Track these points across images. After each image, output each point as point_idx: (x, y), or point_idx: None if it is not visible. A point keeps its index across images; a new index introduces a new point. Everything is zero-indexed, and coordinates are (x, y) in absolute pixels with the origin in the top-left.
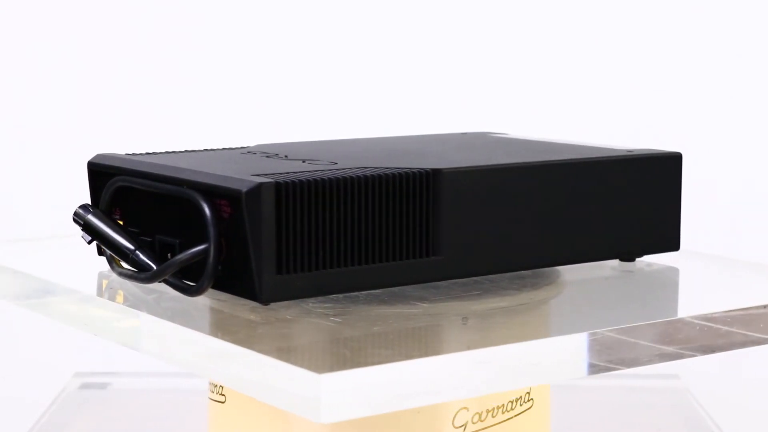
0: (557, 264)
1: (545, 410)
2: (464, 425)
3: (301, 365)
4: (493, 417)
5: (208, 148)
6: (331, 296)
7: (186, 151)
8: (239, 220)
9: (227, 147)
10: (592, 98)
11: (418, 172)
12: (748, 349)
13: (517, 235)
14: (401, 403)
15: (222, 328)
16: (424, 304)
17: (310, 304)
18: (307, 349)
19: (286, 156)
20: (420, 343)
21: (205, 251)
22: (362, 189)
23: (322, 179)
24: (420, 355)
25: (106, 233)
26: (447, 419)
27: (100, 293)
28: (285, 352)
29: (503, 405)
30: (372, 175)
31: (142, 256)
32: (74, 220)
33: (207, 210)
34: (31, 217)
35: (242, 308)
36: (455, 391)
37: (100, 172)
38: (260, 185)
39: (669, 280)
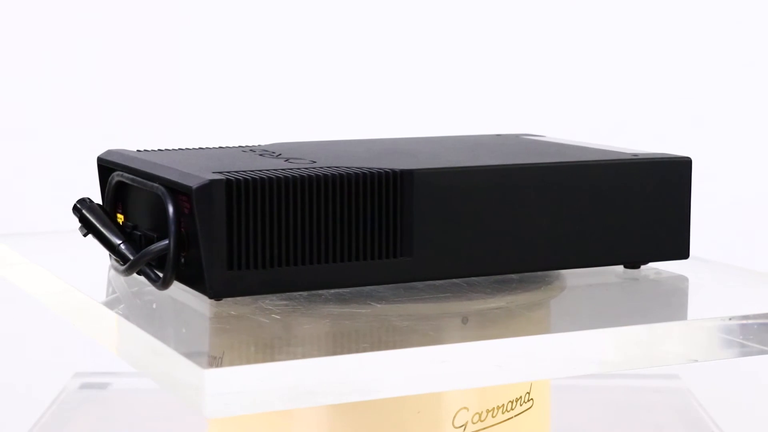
0: (550, 269)
1: (545, 410)
2: (464, 425)
3: (195, 360)
4: (493, 417)
5: (219, 146)
6: (294, 294)
7: (189, 149)
8: (193, 215)
9: (241, 145)
10: (645, 102)
11: (386, 172)
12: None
13: (500, 237)
14: (291, 403)
15: (161, 321)
16: (380, 305)
17: (267, 300)
18: (218, 345)
19: (279, 155)
20: (334, 344)
21: (168, 246)
22: (321, 188)
23: (277, 177)
24: (321, 354)
25: (97, 227)
26: (447, 419)
27: (89, 285)
28: (193, 347)
29: (503, 405)
30: (333, 174)
31: (124, 249)
32: (74, 213)
33: (169, 205)
34: (53, 212)
35: (204, 303)
36: (350, 393)
37: (107, 168)
38: (210, 182)
39: (672, 287)
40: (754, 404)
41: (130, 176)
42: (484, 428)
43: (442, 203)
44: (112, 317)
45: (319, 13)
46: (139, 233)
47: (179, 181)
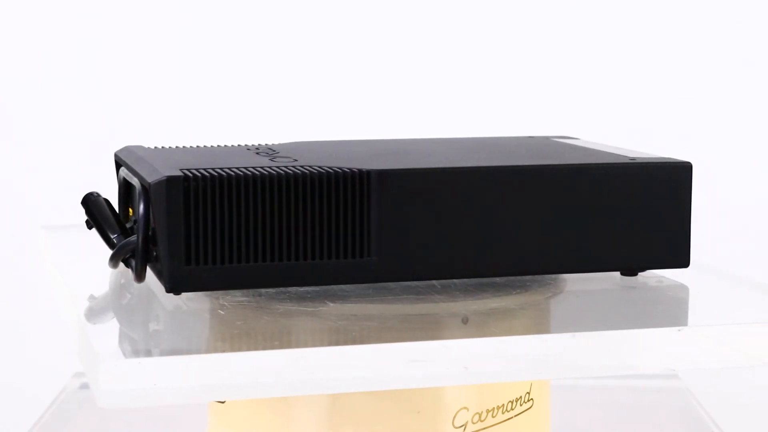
0: (533, 273)
1: (545, 410)
2: (464, 425)
3: (99, 351)
4: (493, 417)
5: (238, 144)
6: (258, 290)
7: (199, 147)
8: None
9: (268, 143)
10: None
11: (351, 172)
12: None
13: (476, 240)
14: (186, 397)
15: (115, 313)
16: (333, 304)
17: (229, 296)
18: (141, 336)
19: (273, 153)
20: (248, 342)
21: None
22: (282, 186)
23: (236, 175)
24: (227, 351)
25: (97, 220)
26: (447, 419)
27: (85, 279)
28: (110, 342)
29: (503, 405)
30: (293, 173)
31: (115, 242)
32: (82, 207)
33: (140, 201)
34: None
35: (170, 297)
36: (243, 389)
37: (120, 164)
38: (167, 178)
39: (664, 295)
40: (754, 404)
41: (126, 172)
42: (484, 428)
43: (408, 204)
44: (74, 312)
45: (359, 13)
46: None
47: (145, 177)
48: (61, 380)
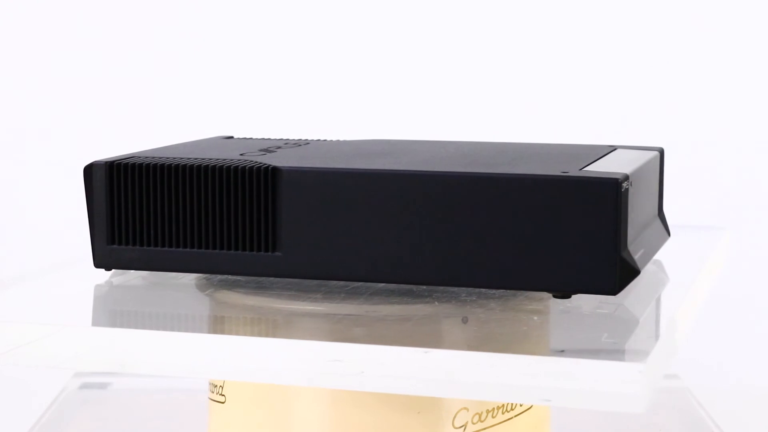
0: (444, 284)
1: (545, 410)
2: (464, 425)
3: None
4: (493, 417)
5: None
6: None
7: (238, 138)
8: None
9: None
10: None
11: (257, 167)
12: (747, 348)
13: (386, 245)
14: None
15: (53, 282)
16: (219, 294)
17: (162, 276)
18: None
19: (266, 150)
20: (106, 318)
21: None
22: (192, 177)
23: (153, 164)
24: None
25: None
26: (447, 419)
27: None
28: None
29: (503, 405)
30: (208, 165)
31: None
32: None
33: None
34: None
35: (121, 275)
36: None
37: None
38: (93, 164)
39: (573, 317)
40: (754, 404)
41: None
42: (484, 428)
43: (318, 204)
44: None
45: (439, 16)
46: None
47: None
48: (61, 380)
